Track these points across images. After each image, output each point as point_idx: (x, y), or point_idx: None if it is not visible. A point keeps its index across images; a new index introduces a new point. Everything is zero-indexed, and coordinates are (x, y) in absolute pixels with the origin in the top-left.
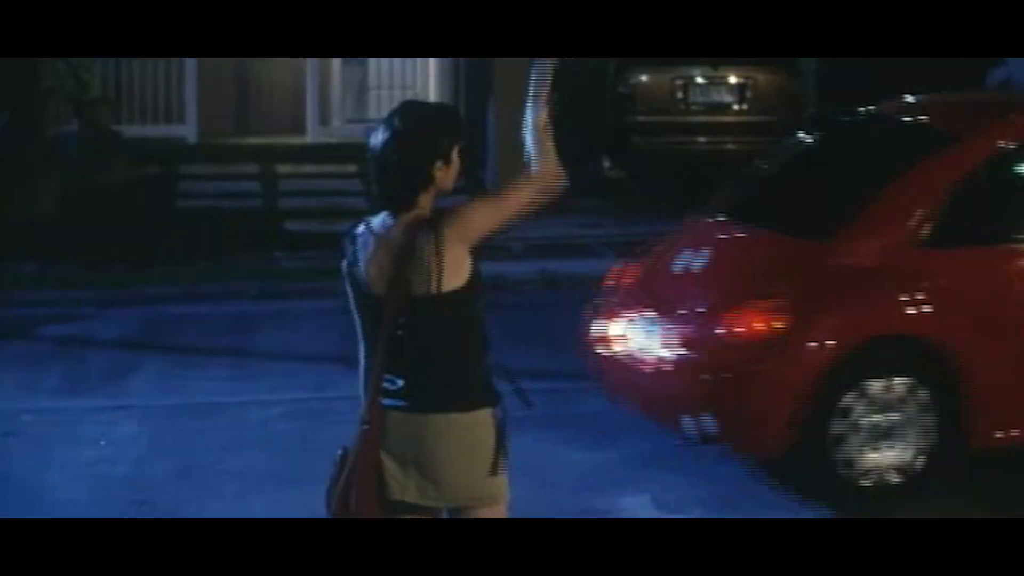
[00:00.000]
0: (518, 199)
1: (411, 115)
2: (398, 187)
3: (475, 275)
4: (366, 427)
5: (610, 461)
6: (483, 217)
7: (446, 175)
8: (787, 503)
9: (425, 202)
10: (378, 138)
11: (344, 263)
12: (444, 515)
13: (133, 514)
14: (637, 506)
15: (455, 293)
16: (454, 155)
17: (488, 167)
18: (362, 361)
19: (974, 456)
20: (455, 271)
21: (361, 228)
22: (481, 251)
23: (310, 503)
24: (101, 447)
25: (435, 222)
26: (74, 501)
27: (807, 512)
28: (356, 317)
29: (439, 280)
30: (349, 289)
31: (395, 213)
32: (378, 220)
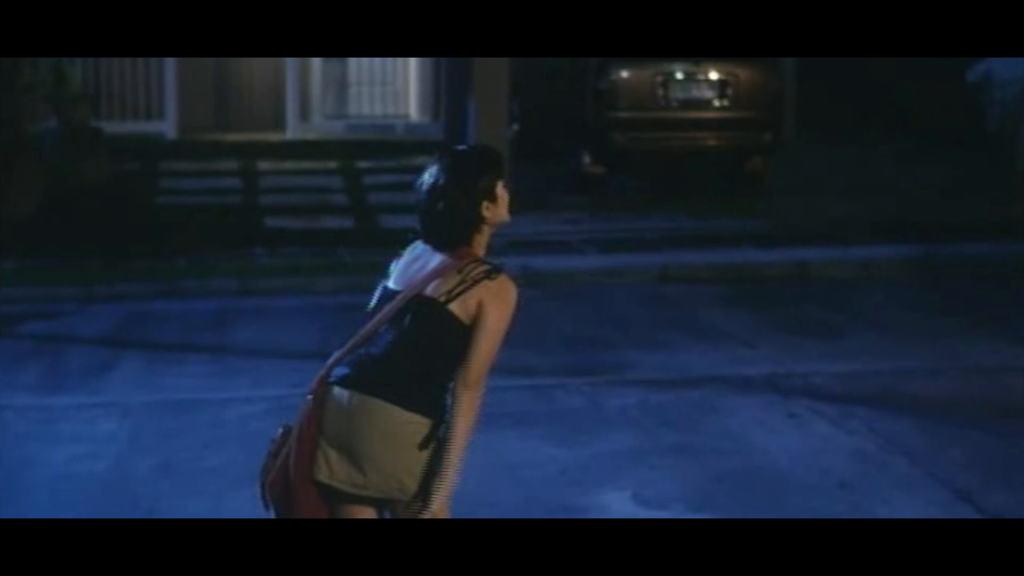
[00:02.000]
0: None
1: (451, 162)
2: (449, 232)
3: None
4: (309, 397)
5: (589, 458)
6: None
7: (495, 212)
8: (768, 502)
9: (478, 241)
10: (423, 188)
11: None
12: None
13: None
14: (617, 503)
15: (457, 319)
16: (499, 191)
17: None
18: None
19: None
20: (466, 312)
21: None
22: None
23: None
24: (80, 444)
25: (477, 276)
26: (53, 499)
27: (788, 512)
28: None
29: (449, 300)
30: (380, 288)
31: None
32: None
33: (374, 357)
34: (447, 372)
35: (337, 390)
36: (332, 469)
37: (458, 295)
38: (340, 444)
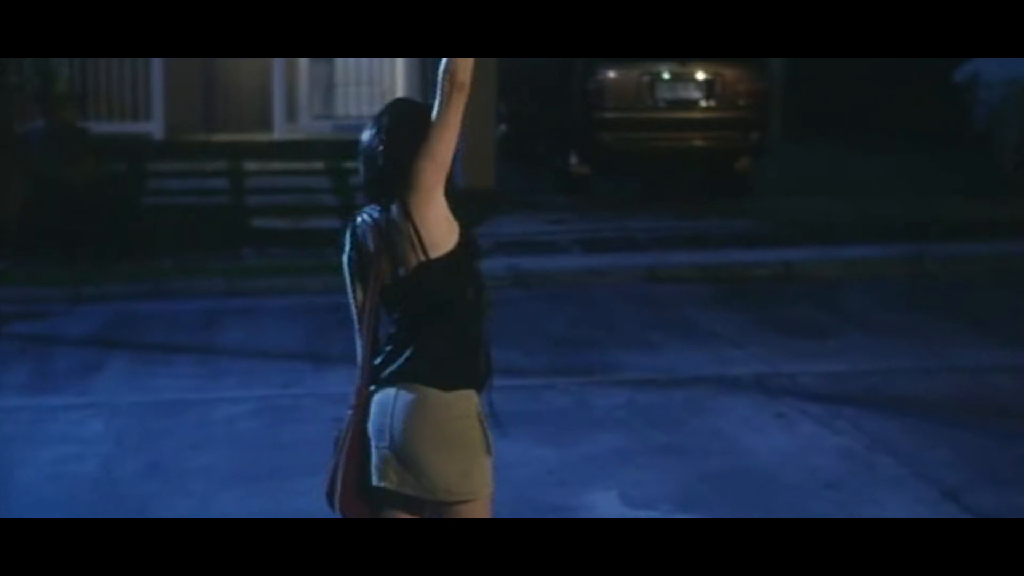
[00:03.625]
0: (448, 115)
1: (396, 112)
2: (387, 182)
3: (465, 237)
4: (349, 411)
5: (577, 458)
6: (429, 169)
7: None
8: (755, 502)
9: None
10: (365, 136)
11: (344, 255)
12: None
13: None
14: (604, 503)
15: (444, 257)
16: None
17: (455, 163)
18: (359, 351)
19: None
20: (436, 237)
21: (361, 218)
22: None
23: (277, 501)
24: (68, 445)
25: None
26: (41, 500)
27: (775, 511)
28: (357, 305)
29: (423, 248)
30: (350, 278)
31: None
32: (372, 208)
33: (397, 341)
34: (474, 318)
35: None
36: (384, 474)
37: (421, 236)
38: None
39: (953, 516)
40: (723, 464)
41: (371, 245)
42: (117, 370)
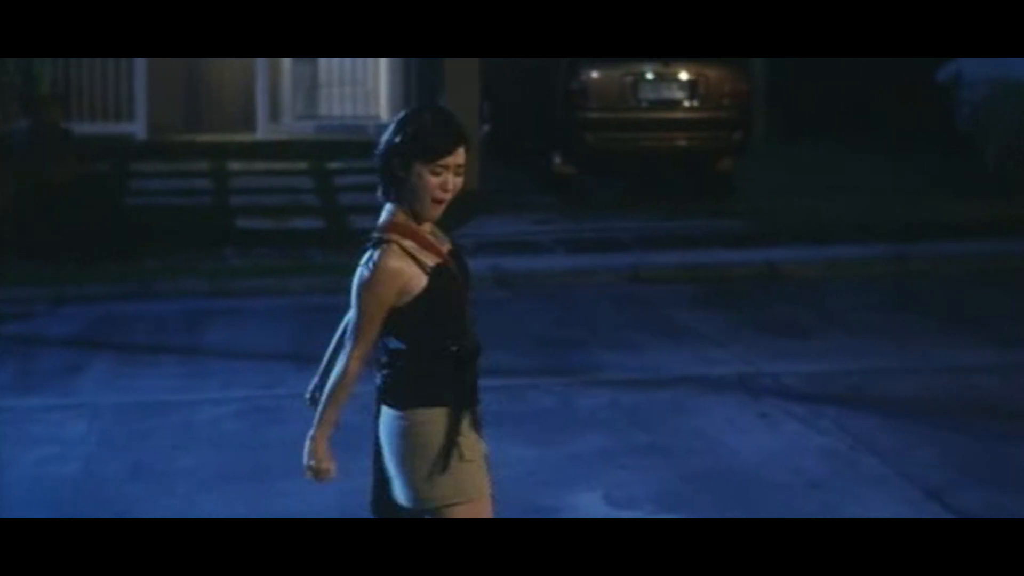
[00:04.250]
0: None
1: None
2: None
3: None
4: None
5: (561, 458)
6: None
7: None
8: (738, 502)
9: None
10: None
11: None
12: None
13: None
14: (588, 503)
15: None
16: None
17: None
18: None
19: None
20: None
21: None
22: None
23: (261, 501)
24: (51, 446)
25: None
26: (23, 501)
27: (759, 511)
28: None
29: None
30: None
31: None
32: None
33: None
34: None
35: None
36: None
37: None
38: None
39: (937, 516)
40: (706, 464)
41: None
42: (100, 371)
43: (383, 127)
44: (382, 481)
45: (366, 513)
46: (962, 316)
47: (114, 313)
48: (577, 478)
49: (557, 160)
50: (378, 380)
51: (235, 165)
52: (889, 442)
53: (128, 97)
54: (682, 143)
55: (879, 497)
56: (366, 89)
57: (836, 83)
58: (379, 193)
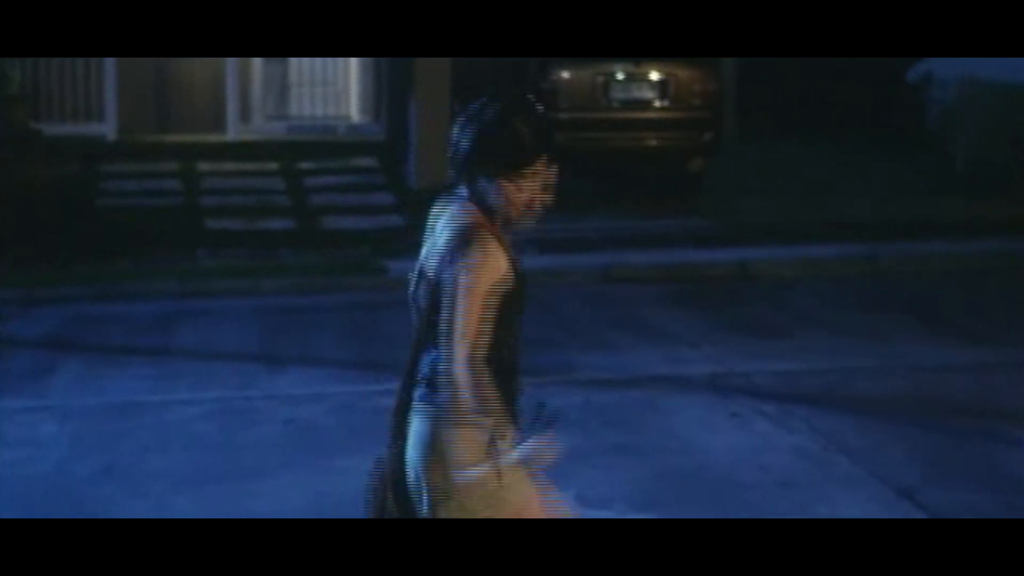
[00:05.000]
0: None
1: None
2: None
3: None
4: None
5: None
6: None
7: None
8: (710, 501)
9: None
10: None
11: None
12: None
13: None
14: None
15: None
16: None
17: (409, 163)
18: None
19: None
20: None
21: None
22: (407, 248)
23: (233, 502)
24: (22, 448)
25: None
26: None
27: (730, 511)
28: None
29: None
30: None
31: None
32: None
33: None
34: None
35: None
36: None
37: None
38: None
39: (908, 515)
40: (678, 464)
41: None
42: (72, 372)
43: (354, 128)
44: (396, 485)
45: (340, 513)
46: (933, 315)
47: (86, 314)
48: (549, 477)
49: None
50: (420, 391)
51: (206, 166)
52: (860, 441)
53: (97, 97)
54: (653, 143)
55: (850, 496)
56: (337, 89)
57: (807, 83)
58: (459, 188)
